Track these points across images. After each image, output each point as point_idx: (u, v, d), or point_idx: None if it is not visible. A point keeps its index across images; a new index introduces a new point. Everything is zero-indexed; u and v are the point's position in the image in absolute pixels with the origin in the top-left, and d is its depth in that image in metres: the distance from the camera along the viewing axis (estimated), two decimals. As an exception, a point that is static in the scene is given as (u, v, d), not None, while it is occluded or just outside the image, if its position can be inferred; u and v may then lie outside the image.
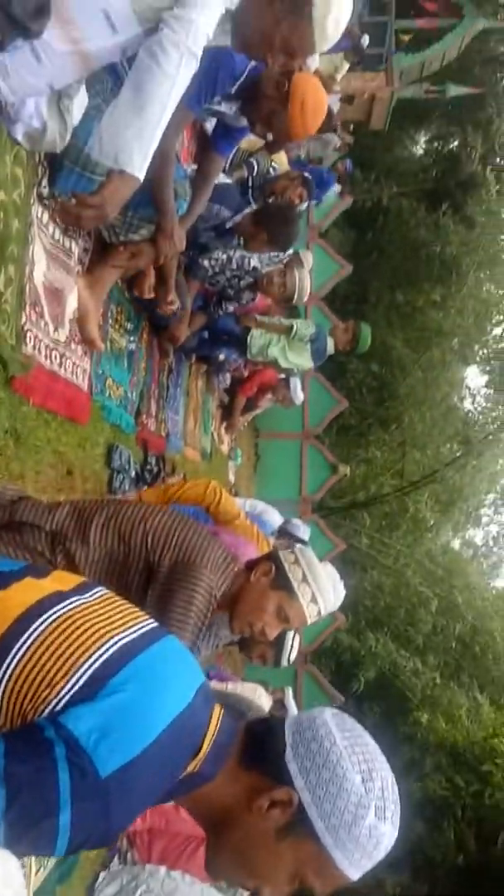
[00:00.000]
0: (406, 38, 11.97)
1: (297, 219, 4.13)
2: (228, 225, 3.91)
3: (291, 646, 2.63)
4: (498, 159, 14.54)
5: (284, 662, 2.65)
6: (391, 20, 11.36)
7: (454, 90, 12.55)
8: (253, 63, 2.58)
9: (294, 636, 2.64)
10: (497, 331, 14.61)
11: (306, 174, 4.72)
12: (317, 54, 3.19)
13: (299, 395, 6.35)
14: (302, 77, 2.67)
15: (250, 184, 4.49)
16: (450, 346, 13.62)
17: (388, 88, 11.54)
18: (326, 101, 2.77)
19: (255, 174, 4.49)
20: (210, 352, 4.72)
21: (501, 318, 14.37)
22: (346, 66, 7.81)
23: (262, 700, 3.19)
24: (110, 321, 3.26)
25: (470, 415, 15.24)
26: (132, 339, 3.49)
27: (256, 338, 4.47)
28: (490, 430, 14.25)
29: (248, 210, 3.94)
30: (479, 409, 15.54)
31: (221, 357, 4.78)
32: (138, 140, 1.72)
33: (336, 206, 9.64)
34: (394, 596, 12.16)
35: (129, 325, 3.46)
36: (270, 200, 4.34)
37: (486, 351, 14.91)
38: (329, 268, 9.25)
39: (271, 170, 4.62)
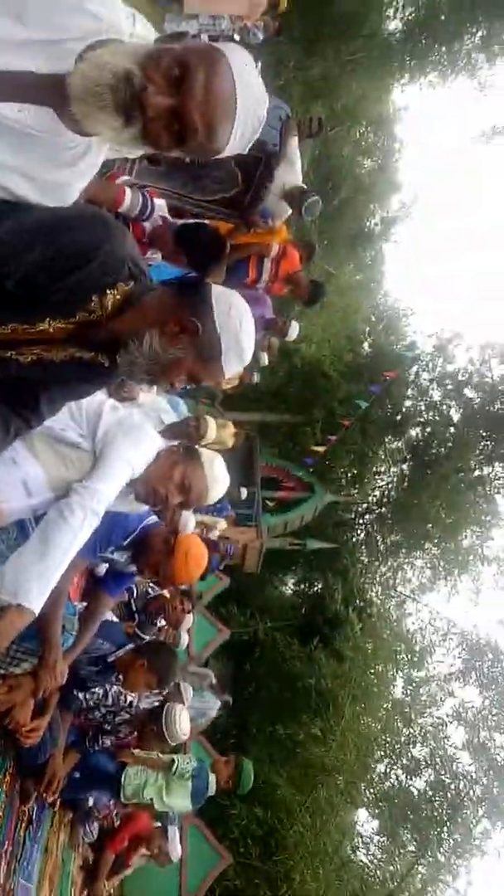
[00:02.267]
0: (271, 504, 14.50)
1: (176, 654, 4.32)
2: (110, 659, 4.01)
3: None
4: (358, 601, 16.23)
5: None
6: (258, 490, 13.84)
7: (313, 544, 14.80)
8: (143, 523, 3.07)
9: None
10: (380, 767, 14.20)
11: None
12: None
13: (177, 849, 5.58)
14: (186, 535, 3.18)
15: (134, 608, 4.76)
16: (335, 784, 12.90)
17: (258, 540, 13.38)
18: (206, 554, 3.24)
19: (135, 597, 4.81)
20: (79, 794, 4.27)
21: (382, 753, 14.14)
22: (225, 524, 9.17)
23: None
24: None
25: (366, 869, 13.59)
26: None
27: (132, 776, 4.16)
28: (390, 888, 12.62)
29: (129, 646, 4.11)
30: (374, 861, 13.97)
31: (90, 802, 4.33)
32: (39, 580, 1.95)
33: (214, 639, 10.09)
34: None
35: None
36: (156, 624, 4.58)
37: (372, 791, 14.20)
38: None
39: (150, 590, 4.95)
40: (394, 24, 15.31)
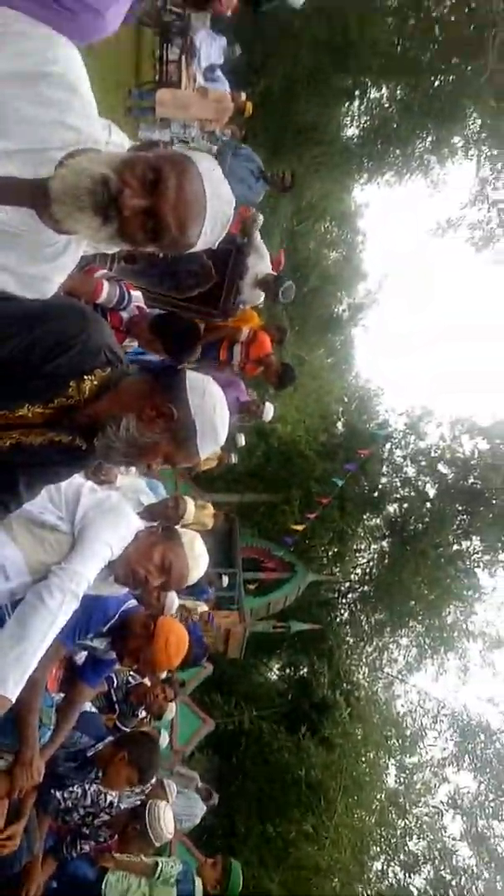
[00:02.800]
0: (253, 586, 14.30)
1: (158, 745, 4.16)
2: (89, 753, 3.84)
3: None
4: (344, 684, 15.80)
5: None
6: (239, 572, 13.66)
7: (297, 626, 14.51)
8: (123, 607, 3.03)
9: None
10: (377, 865, 13.43)
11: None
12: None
13: None
14: (165, 619, 3.13)
15: (114, 698, 4.59)
16: (331, 886, 12.13)
17: (241, 624, 13.10)
18: (186, 639, 3.18)
19: (115, 687, 4.64)
20: (55, 909, 3.96)
21: (378, 849, 13.42)
22: (205, 606, 8.98)
23: None
24: None
25: None
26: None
27: (114, 883, 3.88)
28: None
29: (109, 738, 3.95)
30: None
31: (68, 917, 4.00)
32: (15, 666, 1.91)
33: (198, 730, 9.68)
34: None
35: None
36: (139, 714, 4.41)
37: (370, 893, 13.36)
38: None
39: (130, 679, 4.79)
40: (351, 131, 16.56)
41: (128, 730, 4.56)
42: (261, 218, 5.97)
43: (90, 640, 3.09)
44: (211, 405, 1.52)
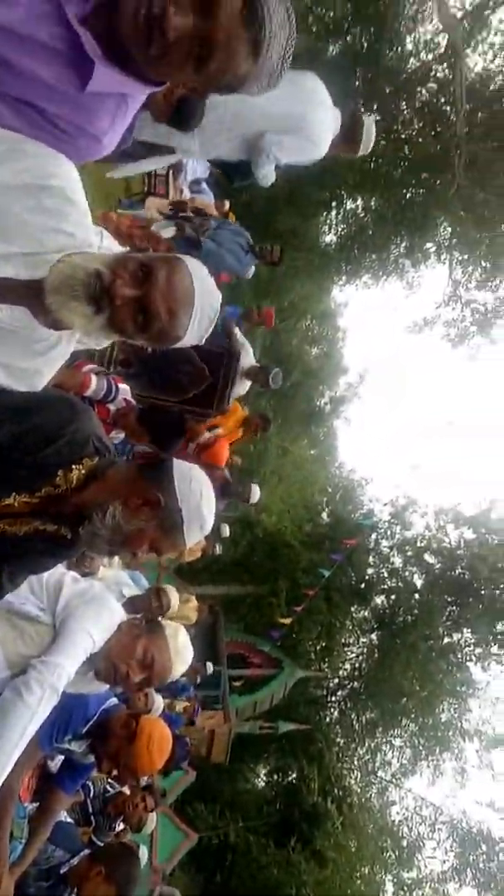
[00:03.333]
0: (238, 683, 13.78)
1: (138, 862, 3.88)
2: (63, 870, 3.58)
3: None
4: (336, 790, 14.99)
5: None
6: (224, 669, 13.20)
7: (285, 726, 13.87)
8: (104, 706, 2.92)
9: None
10: None
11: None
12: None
13: None
14: (148, 719, 3.01)
15: (90, 809, 4.32)
16: None
17: (226, 725, 12.52)
18: (170, 739, 3.05)
19: (91, 797, 4.38)
20: None
21: None
22: (186, 703, 8.64)
23: None
24: None
25: None
26: None
27: None
28: None
29: (85, 852, 3.69)
30: None
31: None
32: None
33: (181, 845, 9.05)
34: None
35: None
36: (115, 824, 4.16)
37: None
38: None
39: (108, 787, 4.54)
40: (329, 238, 17.57)
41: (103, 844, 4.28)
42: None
43: (68, 743, 2.95)
44: (198, 492, 1.53)
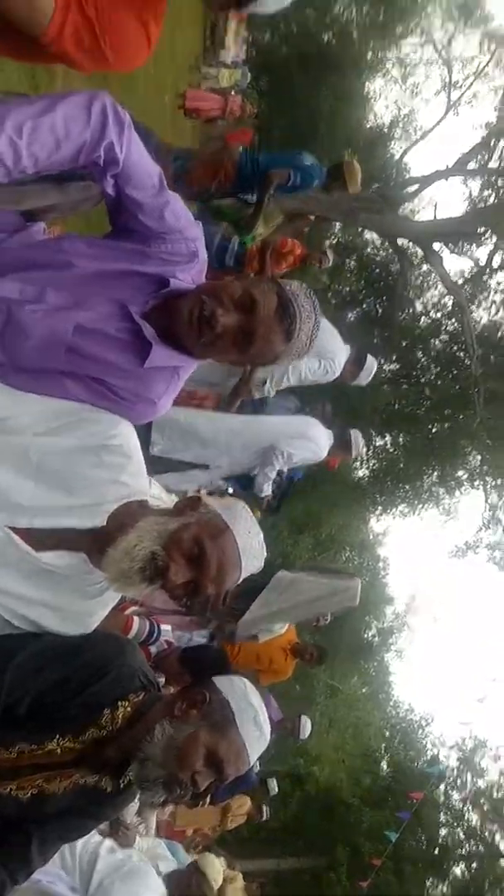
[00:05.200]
0: None
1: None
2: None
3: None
4: None
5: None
6: None
7: None
8: None
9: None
10: None
11: None
12: None
13: None
14: None
15: None
16: None
17: None
18: None
19: None
20: None
21: None
22: None
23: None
24: None
25: None
26: None
27: None
28: None
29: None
30: None
31: None
32: None
33: None
34: None
35: None
36: None
37: None
38: None
39: None
40: (361, 472, 18.32)
41: None
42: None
43: None
44: (241, 684, 1.52)
